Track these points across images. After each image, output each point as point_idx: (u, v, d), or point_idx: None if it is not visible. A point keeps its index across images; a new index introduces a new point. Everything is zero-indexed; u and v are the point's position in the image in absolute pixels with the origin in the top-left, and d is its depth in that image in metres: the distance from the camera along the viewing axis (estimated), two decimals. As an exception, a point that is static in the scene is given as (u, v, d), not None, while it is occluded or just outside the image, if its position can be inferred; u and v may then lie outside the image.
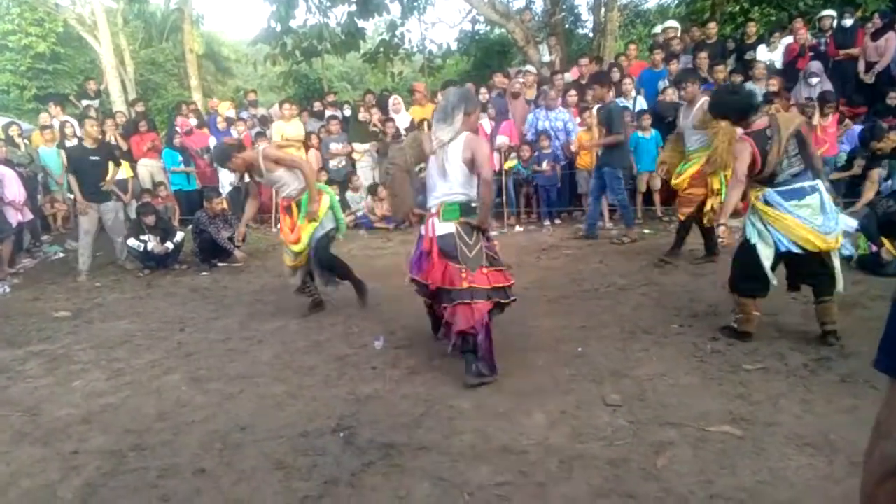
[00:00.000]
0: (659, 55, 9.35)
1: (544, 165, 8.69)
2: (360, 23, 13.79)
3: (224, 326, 5.40)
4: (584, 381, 3.81)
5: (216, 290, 6.68)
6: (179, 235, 7.80)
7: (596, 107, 7.59)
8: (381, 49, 14.97)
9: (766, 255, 4.03)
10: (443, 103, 4.06)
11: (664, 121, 8.38)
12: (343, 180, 9.74)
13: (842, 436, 3.02)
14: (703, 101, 5.75)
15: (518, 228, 8.62)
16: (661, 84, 9.07)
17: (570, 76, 10.10)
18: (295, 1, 13.27)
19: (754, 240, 4.09)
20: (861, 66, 9.42)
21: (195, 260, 7.83)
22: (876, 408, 1.05)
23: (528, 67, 10.61)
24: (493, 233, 8.30)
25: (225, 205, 8.14)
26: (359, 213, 9.51)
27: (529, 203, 9.34)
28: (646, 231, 7.87)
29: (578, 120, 8.81)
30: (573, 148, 8.68)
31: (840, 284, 4.06)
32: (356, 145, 9.84)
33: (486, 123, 8.78)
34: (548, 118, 8.87)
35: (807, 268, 4.08)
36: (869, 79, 9.41)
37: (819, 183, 4.02)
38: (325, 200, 5.35)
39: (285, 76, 15.49)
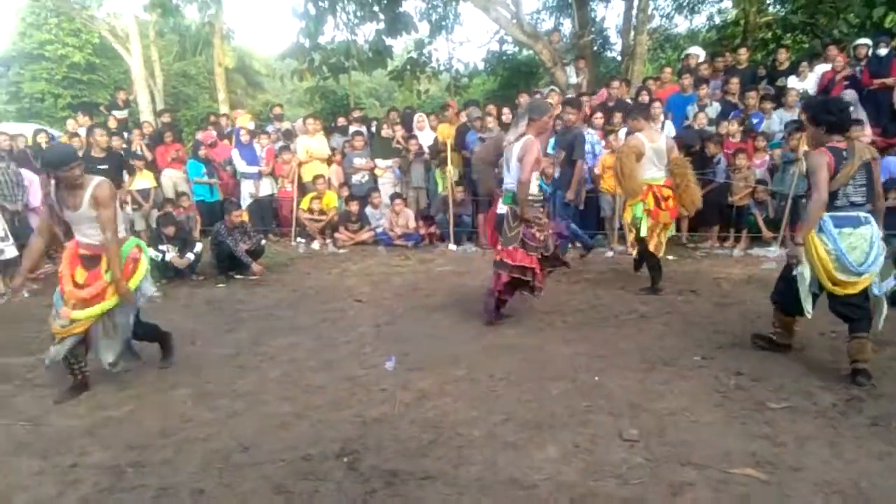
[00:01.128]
0: (687, 80, 9.21)
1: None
2: (388, 40, 13.86)
3: (236, 341, 5.32)
4: (601, 414, 3.66)
5: (231, 303, 6.64)
6: (198, 247, 7.79)
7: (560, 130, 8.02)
8: (408, 67, 15.01)
9: (805, 290, 4.02)
10: (519, 110, 5.34)
11: (690, 150, 8.22)
12: (364, 195, 9.70)
13: (873, 483, 2.84)
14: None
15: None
16: (690, 109, 8.93)
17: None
18: (324, 17, 13.36)
19: (796, 270, 4.04)
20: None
21: (213, 271, 7.81)
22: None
23: (553, 88, 10.52)
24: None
25: (245, 217, 8.12)
26: (378, 230, 9.44)
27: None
28: (670, 257, 7.67)
29: (604, 142, 8.69)
30: (597, 171, 8.56)
31: (879, 321, 3.94)
32: (378, 161, 9.80)
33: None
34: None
35: (844, 299, 3.95)
36: (903, 108, 9.17)
37: (873, 218, 3.97)
38: (142, 264, 4.27)
39: (312, 91, 15.59)
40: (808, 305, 4.05)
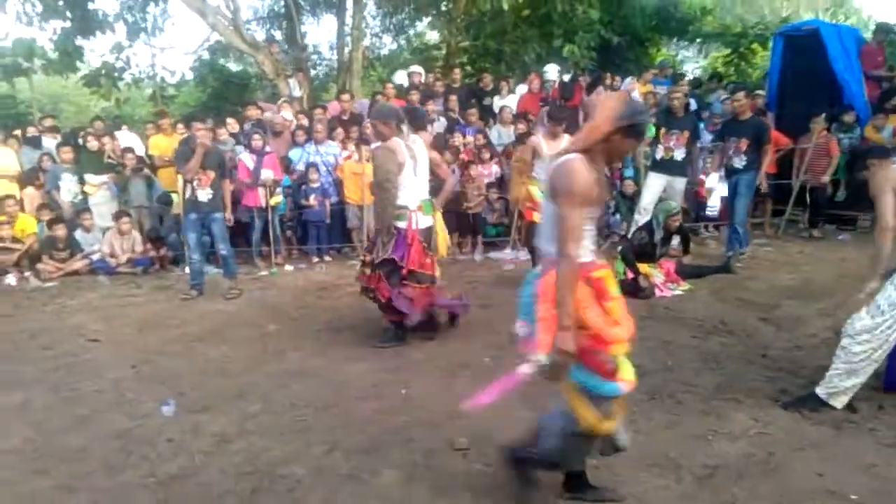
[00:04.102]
0: (415, 95, 9.65)
1: (311, 200, 8.36)
2: (80, 41, 12.11)
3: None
4: (423, 428, 3.58)
5: None
6: None
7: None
8: (104, 72, 13.30)
9: None
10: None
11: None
12: (72, 218, 8.31)
13: (687, 452, 3.21)
14: (568, 138, 6.15)
15: (288, 268, 8.13)
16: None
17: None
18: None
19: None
20: (581, 117, 10.74)
21: None
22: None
23: (286, 100, 10.22)
24: (263, 272, 7.85)
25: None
26: (94, 257, 8.15)
27: (290, 241, 8.93)
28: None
29: (346, 153, 8.67)
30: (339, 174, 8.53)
31: None
32: (89, 178, 8.46)
33: (248, 158, 8.19)
34: (318, 153, 8.60)
35: None
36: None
37: None
38: None
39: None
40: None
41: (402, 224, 4.76)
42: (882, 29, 9.83)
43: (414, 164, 4.75)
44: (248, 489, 3.03)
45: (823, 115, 8.34)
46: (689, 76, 14.17)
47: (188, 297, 6.74)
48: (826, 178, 8.44)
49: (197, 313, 6.23)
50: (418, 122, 6.20)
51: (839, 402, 3.54)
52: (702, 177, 8.90)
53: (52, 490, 3.11)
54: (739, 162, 7.17)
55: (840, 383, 3.49)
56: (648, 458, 3.16)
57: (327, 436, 3.52)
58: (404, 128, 4.78)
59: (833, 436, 3.34)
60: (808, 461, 3.08)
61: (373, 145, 4.95)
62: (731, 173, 7.32)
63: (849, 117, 8.77)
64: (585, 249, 2.44)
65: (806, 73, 9.16)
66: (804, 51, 9.23)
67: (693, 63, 20.35)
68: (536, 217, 6.07)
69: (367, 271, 4.88)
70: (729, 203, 7.67)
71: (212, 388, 4.27)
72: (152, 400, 4.11)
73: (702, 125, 9.27)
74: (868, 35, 10.67)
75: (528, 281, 2.61)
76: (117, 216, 8.24)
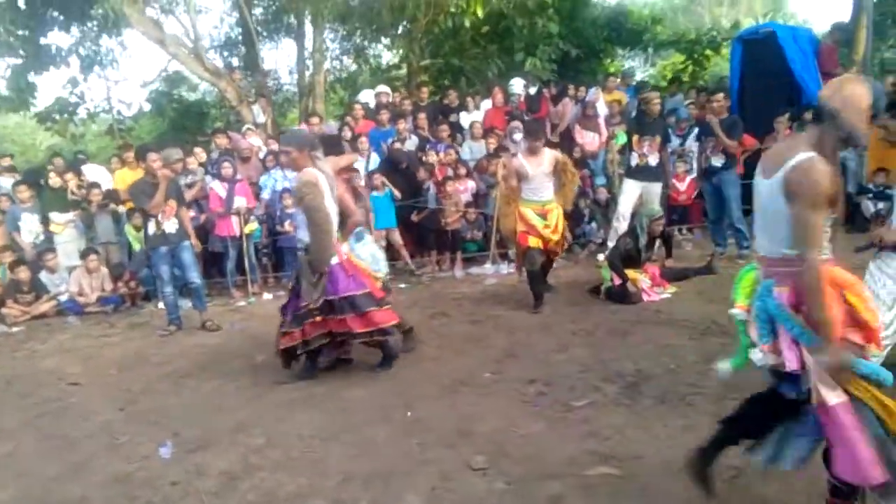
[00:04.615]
0: (385, 115, 9.61)
1: (287, 225, 8.21)
2: (32, 77, 11.79)
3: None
4: (437, 449, 3.51)
5: None
6: None
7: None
8: (58, 107, 12.97)
9: None
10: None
11: (398, 168, 8.62)
12: (36, 261, 8.01)
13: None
14: (549, 151, 6.23)
15: (267, 296, 7.95)
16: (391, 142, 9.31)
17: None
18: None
19: None
20: (548, 127, 10.83)
21: None
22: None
23: (250, 127, 10.06)
24: (241, 303, 7.68)
25: None
26: (62, 298, 7.86)
27: (266, 268, 8.76)
28: (402, 286, 7.85)
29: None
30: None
31: None
32: (54, 216, 8.18)
33: (219, 187, 8.03)
34: (286, 178, 8.46)
35: None
36: (554, 138, 10.83)
37: None
38: None
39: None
40: None
41: (333, 260, 4.50)
42: (838, 28, 10.15)
43: (331, 192, 4.48)
44: (268, 526, 2.91)
45: (787, 115, 8.55)
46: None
47: (167, 333, 6.53)
48: (794, 176, 8.64)
49: (179, 349, 6.03)
50: (335, 148, 6.09)
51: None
52: (673, 180, 9.02)
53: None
54: (718, 160, 7.28)
55: None
56: (673, 464, 3.11)
57: (341, 465, 3.41)
58: (319, 154, 4.53)
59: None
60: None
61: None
62: (710, 173, 7.42)
63: (809, 115, 9.01)
64: (825, 251, 2.31)
65: (765, 74, 9.39)
66: (762, 53, 9.47)
67: (641, 72, 20.80)
68: (532, 242, 6.04)
69: (318, 318, 4.55)
70: (714, 204, 7.71)
71: (209, 424, 4.11)
72: (148, 441, 3.94)
73: (669, 130, 9.48)
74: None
75: (763, 294, 2.43)
76: (85, 254, 7.97)
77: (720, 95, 7.49)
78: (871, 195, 8.37)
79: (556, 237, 6.15)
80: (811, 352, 2.25)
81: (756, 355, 2.42)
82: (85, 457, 3.81)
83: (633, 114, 9.04)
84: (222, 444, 3.82)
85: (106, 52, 13.28)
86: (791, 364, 2.30)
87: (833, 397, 2.21)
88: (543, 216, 6.10)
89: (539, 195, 6.11)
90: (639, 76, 19.76)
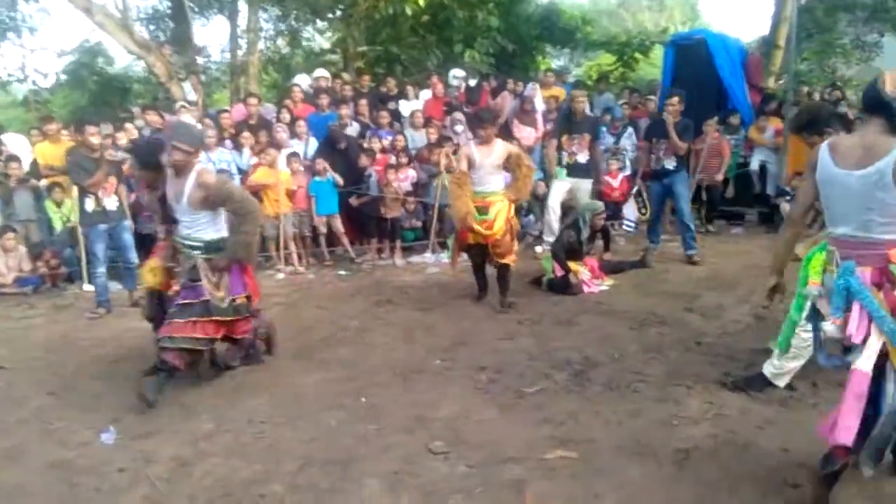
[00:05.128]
0: (325, 99, 9.45)
1: (222, 209, 7.96)
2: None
3: None
4: (395, 434, 3.52)
5: None
6: None
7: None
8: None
9: None
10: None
11: (336, 147, 8.52)
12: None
13: (658, 438, 3.33)
14: (502, 143, 5.88)
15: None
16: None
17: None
18: None
19: None
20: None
21: None
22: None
23: (184, 104, 9.66)
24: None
25: None
26: (-26, 278, 7.36)
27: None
28: (342, 272, 7.78)
29: (255, 160, 8.31)
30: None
31: None
32: (-34, 190, 7.65)
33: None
34: (210, 160, 8.15)
35: None
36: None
37: None
38: None
39: None
40: None
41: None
42: (766, 42, 10.71)
43: None
44: (227, 510, 2.84)
45: (716, 118, 8.96)
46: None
47: (96, 316, 6.23)
48: (720, 177, 9.07)
49: (110, 332, 5.76)
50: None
51: (782, 382, 3.81)
52: (606, 177, 9.28)
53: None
54: (671, 163, 7.29)
55: (786, 364, 3.75)
56: (625, 447, 3.26)
57: (297, 451, 3.37)
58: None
59: (783, 413, 3.59)
60: (771, 438, 3.28)
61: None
62: (660, 175, 7.41)
63: (734, 119, 9.50)
64: None
65: (695, 79, 9.78)
66: (693, 58, 9.87)
67: (565, 72, 21.26)
68: (472, 239, 5.77)
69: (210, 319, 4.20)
70: (657, 203, 7.75)
71: (151, 410, 3.95)
72: (84, 428, 3.76)
73: (603, 129, 9.75)
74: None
75: (845, 273, 2.56)
76: (1, 232, 7.49)
77: (675, 99, 7.33)
78: (789, 198, 8.88)
79: (491, 233, 5.69)
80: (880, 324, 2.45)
81: (828, 327, 2.59)
82: (18, 442, 3.61)
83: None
84: (169, 429, 3.69)
85: (22, 19, 12.50)
86: (856, 338, 2.48)
87: (861, 363, 2.44)
88: (485, 209, 5.72)
89: (483, 186, 5.77)
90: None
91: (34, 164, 8.35)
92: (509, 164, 5.82)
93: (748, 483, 2.90)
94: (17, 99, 14.72)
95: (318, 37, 17.75)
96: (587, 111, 8.60)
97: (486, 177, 5.80)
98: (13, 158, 7.86)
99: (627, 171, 9.40)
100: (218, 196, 4.17)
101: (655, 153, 7.44)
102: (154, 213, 4.73)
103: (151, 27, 14.82)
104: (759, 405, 3.68)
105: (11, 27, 12.37)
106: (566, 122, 7.89)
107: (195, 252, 4.23)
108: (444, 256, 8.20)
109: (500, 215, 5.74)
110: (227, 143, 8.58)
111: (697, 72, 9.77)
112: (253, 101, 9.25)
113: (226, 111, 9.47)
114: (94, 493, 3.08)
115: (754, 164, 9.54)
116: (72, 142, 8.34)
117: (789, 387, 3.84)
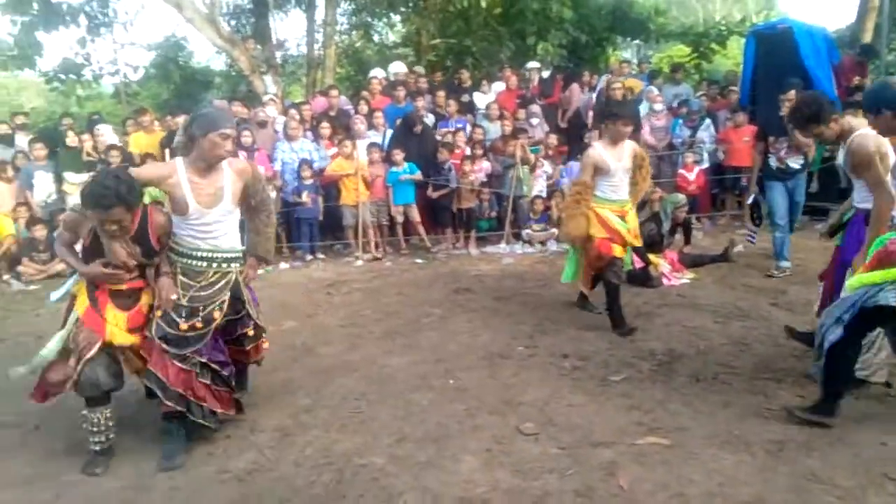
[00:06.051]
0: (401, 92, 9.63)
1: (304, 197, 8.24)
2: (41, 35, 11.65)
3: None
4: (485, 415, 3.63)
5: None
6: None
7: None
8: (64, 68, 12.82)
9: None
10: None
11: (412, 130, 8.65)
12: (50, 219, 7.99)
13: (750, 429, 3.32)
14: (630, 142, 5.16)
15: (283, 265, 8.00)
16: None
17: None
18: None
19: None
20: (559, 114, 10.88)
21: None
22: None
23: (270, 96, 10.03)
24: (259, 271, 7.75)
25: None
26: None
27: (280, 238, 8.79)
28: (418, 261, 7.95)
29: (334, 150, 8.57)
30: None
31: None
32: (69, 176, 8.16)
33: (240, 155, 8.02)
34: (293, 150, 8.43)
35: None
36: (563, 123, 10.88)
37: None
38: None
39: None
40: None
41: None
42: (865, 51, 10.38)
43: None
44: (332, 480, 3.02)
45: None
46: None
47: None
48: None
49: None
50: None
51: (876, 378, 3.72)
52: (682, 171, 9.14)
53: (124, 490, 3.02)
54: (795, 162, 6.58)
55: (873, 359, 3.67)
56: (717, 436, 3.26)
57: (392, 426, 3.52)
58: None
59: (881, 408, 3.52)
60: (869, 432, 3.23)
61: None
62: (785, 176, 6.60)
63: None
64: None
65: (778, 69, 9.50)
66: (776, 48, 9.58)
67: (644, 62, 20.82)
68: (618, 251, 5.06)
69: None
70: (777, 207, 6.60)
71: (252, 384, 4.18)
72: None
73: (680, 121, 9.61)
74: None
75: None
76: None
77: (792, 93, 6.68)
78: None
79: (638, 242, 5.30)
80: None
81: None
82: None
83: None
84: (271, 403, 3.91)
85: (114, 14, 13.17)
86: None
87: None
88: (622, 218, 5.09)
89: (619, 194, 5.07)
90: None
91: (131, 153, 8.84)
92: (632, 164, 5.15)
93: (846, 475, 2.88)
94: (106, 91, 15.46)
95: (389, 31, 18.08)
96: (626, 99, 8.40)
97: (621, 183, 5.09)
98: (113, 147, 8.32)
99: (705, 164, 9.22)
100: (256, 180, 3.60)
101: (775, 153, 6.61)
102: (129, 257, 3.24)
103: (233, 22, 15.35)
104: (853, 399, 3.61)
105: (104, 23, 13.01)
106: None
107: (234, 265, 3.52)
108: (518, 248, 8.30)
109: (634, 222, 5.29)
110: (309, 133, 8.86)
111: (781, 62, 9.49)
112: (334, 92, 9.53)
113: (306, 103, 9.74)
114: (208, 456, 3.31)
115: (840, 158, 9.20)
116: (163, 132, 8.85)
117: (887, 384, 3.76)
